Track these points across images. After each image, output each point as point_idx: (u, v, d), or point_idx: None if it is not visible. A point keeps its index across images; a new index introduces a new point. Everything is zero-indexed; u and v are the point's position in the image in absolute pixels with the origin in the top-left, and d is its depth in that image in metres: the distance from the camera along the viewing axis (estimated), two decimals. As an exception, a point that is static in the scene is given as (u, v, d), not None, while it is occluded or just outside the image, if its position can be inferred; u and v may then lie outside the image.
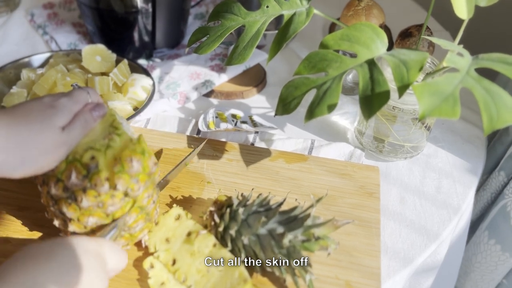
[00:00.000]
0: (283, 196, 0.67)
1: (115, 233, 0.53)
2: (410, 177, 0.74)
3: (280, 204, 0.59)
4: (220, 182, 0.70)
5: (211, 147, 0.75)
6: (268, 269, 0.57)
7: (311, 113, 0.55)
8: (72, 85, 0.59)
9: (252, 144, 0.78)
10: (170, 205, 0.66)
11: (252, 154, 0.74)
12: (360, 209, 0.67)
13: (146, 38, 0.91)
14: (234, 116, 0.81)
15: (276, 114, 0.60)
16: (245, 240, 0.56)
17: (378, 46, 0.58)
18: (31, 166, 0.48)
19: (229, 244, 0.57)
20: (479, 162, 0.78)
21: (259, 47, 0.95)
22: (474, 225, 0.93)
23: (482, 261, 0.88)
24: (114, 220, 0.53)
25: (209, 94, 0.87)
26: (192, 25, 1.03)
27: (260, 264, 0.57)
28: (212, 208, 0.60)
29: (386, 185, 0.73)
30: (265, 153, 0.74)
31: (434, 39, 0.58)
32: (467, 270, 0.92)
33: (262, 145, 0.77)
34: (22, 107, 0.50)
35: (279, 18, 0.67)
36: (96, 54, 0.81)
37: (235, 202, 0.59)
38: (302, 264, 0.54)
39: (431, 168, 0.76)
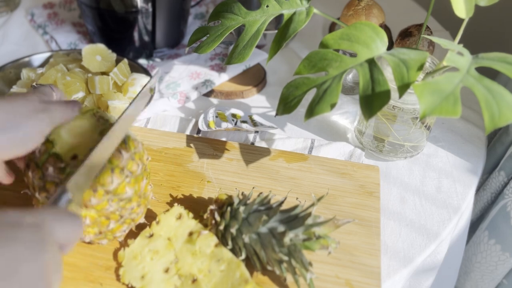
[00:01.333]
0: (283, 195, 0.67)
1: (69, 199, 0.44)
2: (410, 176, 0.74)
3: (281, 203, 0.59)
4: (220, 181, 0.70)
5: (211, 147, 0.75)
6: (269, 268, 0.57)
7: (311, 112, 0.55)
8: (32, 85, 0.60)
9: (252, 143, 0.78)
10: (170, 204, 0.66)
11: (252, 153, 0.74)
12: (360, 208, 0.67)
13: (146, 38, 0.91)
14: (234, 115, 0.81)
15: (277, 114, 0.60)
16: (246, 238, 0.56)
17: (378, 46, 0.58)
18: (15, 132, 0.47)
19: (230, 242, 0.57)
20: (479, 162, 0.78)
21: (259, 46, 0.95)
22: (474, 225, 0.93)
23: (482, 261, 0.88)
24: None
25: (209, 94, 0.87)
26: (192, 25, 1.03)
27: (260, 263, 0.57)
28: (212, 207, 0.60)
29: (386, 184, 0.73)
30: (265, 152, 0.74)
31: (434, 39, 0.58)
32: (467, 270, 0.92)
33: (262, 144, 0.77)
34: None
35: (279, 17, 0.67)
36: (96, 54, 0.82)
37: (236, 200, 0.59)
38: (303, 263, 0.54)
39: (431, 168, 0.76)
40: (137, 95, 0.57)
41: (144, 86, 0.59)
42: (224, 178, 0.70)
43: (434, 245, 0.66)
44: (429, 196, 0.72)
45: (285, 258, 0.54)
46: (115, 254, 0.59)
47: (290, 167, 0.72)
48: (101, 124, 0.55)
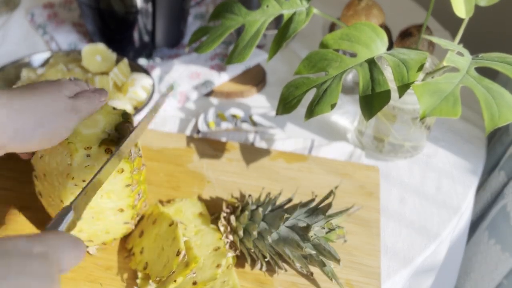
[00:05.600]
0: (283, 195, 0.67)
1: (71, 219, 0.43)
2: (410, 177, 0.74)
3: (290, 200, 0.60)
4: (220, 182, 0.70)
5: (212, 147, 0.75)
6: (297, 265, 0.56)
7: (311, 112, 0.55)
8: (69, 78, 0.60)
9: (252, 143, 0.78)
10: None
11: (252, 153, 0.74)
12: (360, 208, 0.67)
13: (146, 38, 0.91)
14: (234, 115, 0.81)
15: (277, 114, 0.60)
16: (269, 239, 0.55)
17: (378, 46, 0.58)
18: (48, 128, 0.48)
19: (252, 246, 0.57)
20: (479, 162, 0.78)
21: (259, 46, 0.95)
22: (474, 225, 0.93)
23: (482, 261, 0.88)
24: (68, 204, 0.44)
25: (209, 94, 0.87)
26: (192, 25, 1.03)
27: (283, 263, 0.57)
28: (225, 213, 0.60)
29: (386, 185, 0.73)
30: (265, 152, 0.74)
31: (434, 39, 0.58)
32: (467, 270, 0.92)
33: (262, 144, 0.77)
34: (27, 85, 0.51)
35: (279, 17, 0.67)
36: (96, 54, 0.82)
37: (251, 202, 0.59)
38: (331, 253, 0.54)
39: (431, 168, 0.76)
40: (149, 112, 0.59)
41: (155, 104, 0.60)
42: (224, 178, 0.70)
43: (434, 245, 0.66)
44: (429, 196, 0.72)
45: (313, 252, 0.54)
46: (119, 256, 0.59)
47: (290, 168, 0.72)
48: (116, 117, 0.56)
